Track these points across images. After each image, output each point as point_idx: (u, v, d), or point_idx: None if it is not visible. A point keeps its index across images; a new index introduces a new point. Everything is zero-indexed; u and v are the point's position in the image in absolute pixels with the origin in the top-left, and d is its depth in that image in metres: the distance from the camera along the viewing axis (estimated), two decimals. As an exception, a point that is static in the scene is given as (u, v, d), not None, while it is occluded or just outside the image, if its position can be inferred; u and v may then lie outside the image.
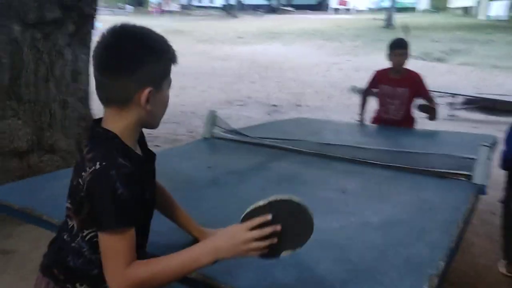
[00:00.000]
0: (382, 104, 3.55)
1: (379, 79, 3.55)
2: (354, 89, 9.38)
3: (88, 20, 3.69)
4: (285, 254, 1.01)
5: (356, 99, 9.02)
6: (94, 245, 1.00)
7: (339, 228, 1.47)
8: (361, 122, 3.70)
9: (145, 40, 1.00)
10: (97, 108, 5.46)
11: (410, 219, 1.58)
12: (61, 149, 3.42)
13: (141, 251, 1.12)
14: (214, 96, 8.79)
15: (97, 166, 0.93)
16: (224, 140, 2.54)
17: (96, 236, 0.98)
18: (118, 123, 1.01)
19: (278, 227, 0.97)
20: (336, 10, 32.92)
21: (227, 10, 33.80)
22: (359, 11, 32.54)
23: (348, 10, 33.03)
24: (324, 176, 2.03)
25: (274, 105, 8.13)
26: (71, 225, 1.05)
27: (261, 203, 0.98)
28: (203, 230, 1.30)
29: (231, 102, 8.38)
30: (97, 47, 0.99)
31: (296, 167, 2.14)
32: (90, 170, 0.94)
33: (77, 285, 1.06)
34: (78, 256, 1.04)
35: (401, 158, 2.17)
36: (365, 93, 3.77)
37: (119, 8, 33.72)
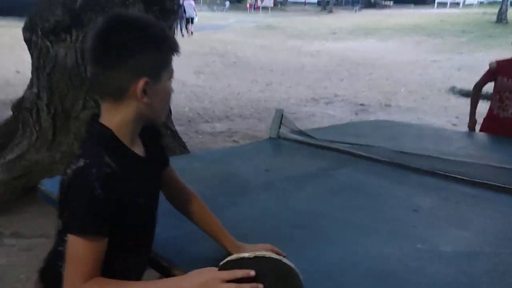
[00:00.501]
0: (499, 100, 3.02)
1: (499, 70, 3.02)
2: (454, 90, 8.58)
3: (169, 15, 3.72)
4: None
5: (455, 100, 8.30)
6: None
7: (400, 256, 1.23)
8: (471, 124, 3.21)
9: (140, 28, 0.92)
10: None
11: (495, 252, 1.28)
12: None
13: (137, 266, 1.07)
14: (300, 93, 8.58)
15: (81, 163, 0.88)
16: (290, 141, 2.36)
17: None
18: (114, 118, 0.93)
19: (260, 286, 0.86)
20: (443, 5, 30.76)
21: (323, 5, 33.26)
22: (467, 5, 30.13)
23: (457, 4, 30.72)
24: (394, 190, 1.77)
25: (362, 104, 7.71)
26: (58, 228, 0.97)
27: (246, 255, 0.87)
28: (236, 244, 1.16)
29: (317, 99, 8.11)
30: (89, 37, 0.91)
31: (363, 176, 1.90)
32: (74, 168, 0.88)
33: None
34: (63, 260, 0.93)
35: (493, 173, 1.83)
36: (478, 88, 3.22)
37: (218, 5, 34.80)
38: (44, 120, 3.25)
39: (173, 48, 0.95)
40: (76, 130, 3.20)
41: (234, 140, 5.45)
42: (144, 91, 0.91)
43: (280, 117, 2.41)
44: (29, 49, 3.43)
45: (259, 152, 2.30)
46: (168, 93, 0.99)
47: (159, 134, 1.11)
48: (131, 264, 1.04)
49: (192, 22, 17.61)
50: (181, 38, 16.12)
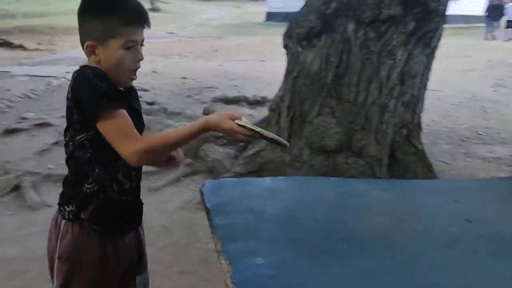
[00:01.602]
0: None
1: None
2: None
3: (433, 16, 3.27)
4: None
5: None
6: (84, 146, 1.18)
7: None
8: None
9: (101, 1, 1.20)
10: (427, 117, 4.84)
11: None
12: (369, 154, 3.23)
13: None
14: None
15: (75, 74, 1.16)
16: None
17: (87, 138, 1.17)
18: (92, 63, 1.20)
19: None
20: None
21: None
22: None
23: None
24: None
25: None
26: (68, 149, 1.23)
27: (257, 129, 1.16)
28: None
29: None
30: None
31: None
32: (71, 80, 1.16)
33: (70, 205, 1.22)
34: (75, 165, 1.22)
35: None
36: None
37: None
38: (283, 121, 3.40)
39: (126, 21, 1.15)
40: (308, 135, 3.22)
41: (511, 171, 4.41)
42: (93, 52, 1.18)
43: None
44: (286, 54, 3.65)
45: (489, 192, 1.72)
46: (118, 59, 1.17)
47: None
48: (120, 166, 1.22)
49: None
50: (490, 43, 14.30)
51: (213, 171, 3.82)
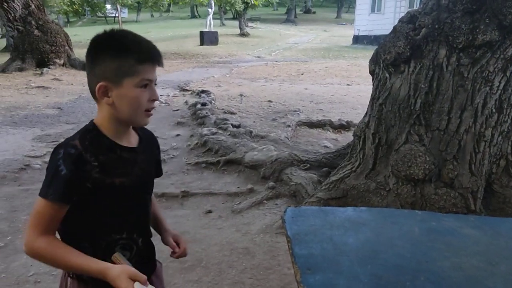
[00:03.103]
0: None
1: None
2: None
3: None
4: None
5: None
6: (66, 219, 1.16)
7: None
8: None
9: (109, 40, 1.16)
10: None
11: None
12: (463, 185, 3.04)
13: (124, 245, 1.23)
14: None
15: (57, 145, 1.16)
16: None
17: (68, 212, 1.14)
18: (99, 115, 1.21)
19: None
20: None
21: None
22: None
23: None
24: None
25: None
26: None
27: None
28: (169, 230, 1.45)
29: None
30: None
31: None
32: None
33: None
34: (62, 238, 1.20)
35: None
36: None
37: None
38: (368, 148, 3.33)
39: (142, 58, 1.14)
40: (394, 162, 3.11)
41: None
42: (105, 94, 1.15)
43: None
44: (372, 80, 3.59)
45: None
46: (135, 99, 1.16)
47: (156, 141, 1.41)
48: (115, 240, 1.22)
49: None
50: None
51: (295, 195, 3.83)
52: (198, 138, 5.59)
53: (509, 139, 3.23)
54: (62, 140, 1.22)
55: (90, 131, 1.19)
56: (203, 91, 9.09)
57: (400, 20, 3.39)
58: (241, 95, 8.81)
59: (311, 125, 6.24)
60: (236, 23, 31.04)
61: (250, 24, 33.52)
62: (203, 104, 7.44)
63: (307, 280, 1.19)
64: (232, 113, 7.16)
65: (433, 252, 1.44)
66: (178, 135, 6.07)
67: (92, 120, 1.23)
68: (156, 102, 1.23)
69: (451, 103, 3.08)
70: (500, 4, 2.97)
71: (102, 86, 1.15)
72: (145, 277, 1.10)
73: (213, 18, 26.21)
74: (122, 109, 1.17)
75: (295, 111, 7.26)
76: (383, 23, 22.97)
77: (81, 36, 27.47)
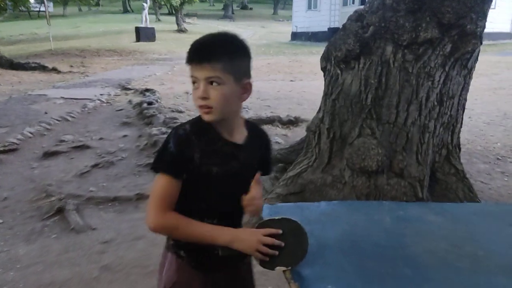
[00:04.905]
0: None
1: None
2: None
3: (470, 38, 3.28)
4: (279, 269, 1.22)
5: None
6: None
7: None
8: None
9: None
10: (470, 138, 4.81)
11: None
12: (411, 175, 3.23)
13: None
14: None
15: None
16: None
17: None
18: None
19: (282, 244, 1.21)
20: None
21: None
22: None
23: None
24: None
25: None
26: None
27: (276, 217, 1.24)
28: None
29: None
30: None
31: None
32: None
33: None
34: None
35: None
36: None
37: None
38: (323, 143, 3.44)
39: (187, 59, 1.23)
40: (348, 156, 3.24)
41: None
42: None
43: None
44: (324, 76, 3.71)
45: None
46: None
47: (266, 140, 1.45)
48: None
49: None
50: None
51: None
52: (147, 138, 5.47)
53: (449, 130, 3.48)
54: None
55: (201, 120, 1.25)
56: (147, 90, 8.89)
57: (349, 19, 3.53)
58: (187, 93, 8.71)
59: (261, 121, 6.29)
60: (172, 18, 30.46)
61: (187, 20, 33.06)
62: (150, 103, 7.29)
63: (298, 275, 1.23)
64: (179, 111, 7.07)
65: (406, 238, 1.54)
66: (125, 135, 5.90)
67: None
68: (209, 101, 1.21)
69: (398, 97, 3.26)
70: (438, 4, 3.17)
71: None
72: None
73: (148, 14, 25.56)
74: None
75: (243, 108, 7.29)
76: (319, 20, 23.60)
77: (3, 32, 25.81)
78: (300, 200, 3.41)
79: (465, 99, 3.54)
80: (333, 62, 3.54)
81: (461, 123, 3.59)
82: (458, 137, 3.55)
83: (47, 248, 3.13)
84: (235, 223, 1.33)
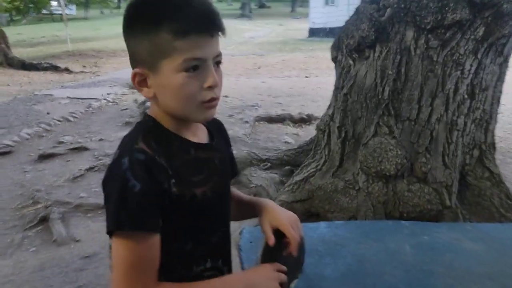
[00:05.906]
0: None
1: None
2: None
3: (506, 20, 2.80)
4: (292, 285, 0.99)
5: None
6: None
7: None
8: None
9: (143, 5, 0.81)
10: (503, 135, 4.31)
11: None
12: (437, 180, 2.77)
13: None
14: None
15: (115, 155, 0.83)
16: None
17: None
18: (152, 107, 0.89)
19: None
20: None
21: None
22: None
23: None
24: None
25: None
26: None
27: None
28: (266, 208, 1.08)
29: None
30: None
31: None
32: (109, 162, 0.83)
33: None
34: None
35: None
36: None
37: None
38: (334, 143, 3.01)
39: (180, 30, 0.76)
40: (362, 158, 2.81)
41: None
42: (143, 83, 0.84)
43: None
44: (335, 68, 3.28)
45: None
46: (176, 88, 0.81)
47: (226, 132, 1.07)
48: (198, 274, 0.91)
49: None
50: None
51: (256, 199, 3.47)
52: (149, 138, 5.13)
53: (481, 127, 3.01)
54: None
55: (152, 127, 0.87)
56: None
57: (363, 1, 3.09)
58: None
59: (270, 120, 5.91)
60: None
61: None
62: (154, 102, 6.95)
63: None
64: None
65: (433, 279, 1.11)
66: (126, 136, 5.57)
67: (145, 113, 0.92)
68: (217, 90, 0.88)
69: (421, 90, 2.80)
70: (469, -21, 2.72)
71: (136, 73, 0.84)
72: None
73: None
74: (167, 104, 0.85)
75: (253, 106, 6.91)
76: (337, 15, 23.03)
77: (24, 35, 26.04)
78: (307, 209, 3.00)
79: (500, 92, 3.05)
80: (344, 51, 3.10)
81: (496, 119, 3.11)
82: (493, 136, 3.07)
83: (22, 264, 2.80)
84: (229, 260, 1.01)
